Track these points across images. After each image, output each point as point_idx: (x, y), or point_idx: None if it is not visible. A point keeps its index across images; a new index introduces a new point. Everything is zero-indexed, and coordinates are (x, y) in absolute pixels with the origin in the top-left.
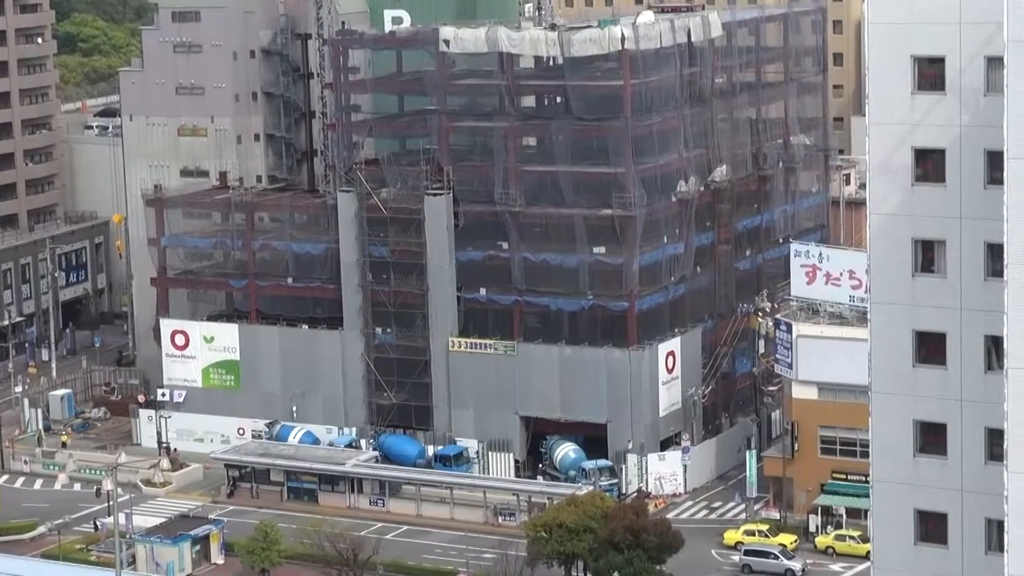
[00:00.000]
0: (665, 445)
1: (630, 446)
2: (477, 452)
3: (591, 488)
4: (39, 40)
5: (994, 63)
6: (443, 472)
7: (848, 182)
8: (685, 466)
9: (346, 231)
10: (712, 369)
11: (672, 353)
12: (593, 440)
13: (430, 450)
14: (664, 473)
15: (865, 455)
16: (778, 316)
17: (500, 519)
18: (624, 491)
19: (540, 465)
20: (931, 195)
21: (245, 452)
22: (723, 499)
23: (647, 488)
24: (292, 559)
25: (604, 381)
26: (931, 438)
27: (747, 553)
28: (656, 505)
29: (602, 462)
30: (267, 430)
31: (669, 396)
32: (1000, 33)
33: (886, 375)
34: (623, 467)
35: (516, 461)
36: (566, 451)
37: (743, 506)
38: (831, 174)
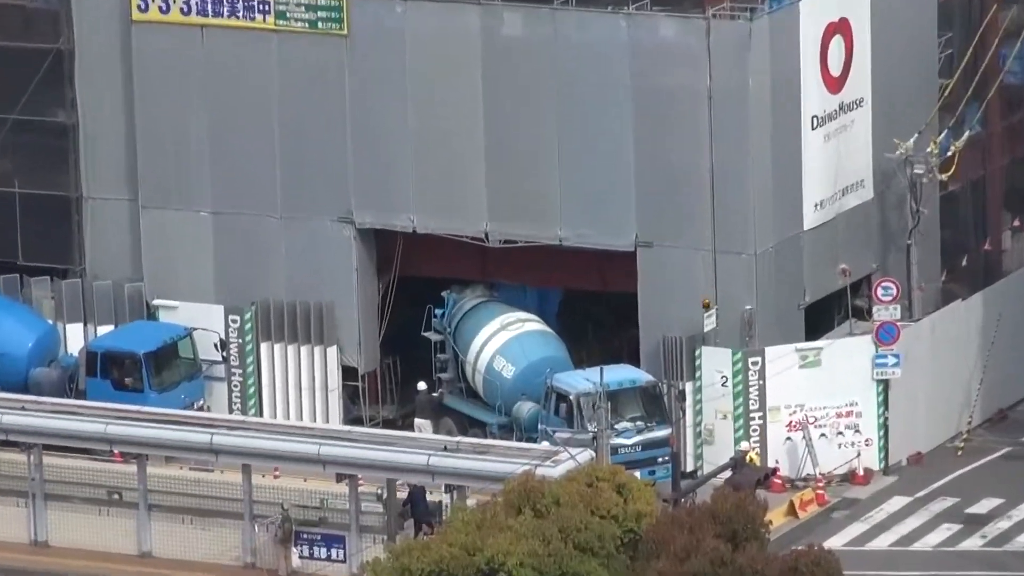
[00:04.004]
0: (817, 321)
1: (710, 326)
2: (222, 344)
3: (583, 456)
4: None
5: None
6: (119, 409)
7: None
8: (884, 383)
9: None
10: (969, 81)
11: (843, 25)
12: (586, 308)
13: (72, 337)
14: (818, 409)
15: None
16: None
17: (296, 552)
18: (691, 466)
19: (429, 384)
20: None
21: None
22: (1005, 490)
23: (759, 458)
24: None
25: (628, 123)
26: None
27: None
28: (800, 506)
29: (623, 374)
30: None
31: (826, 166)
32: None
33: None
34: (689, 392)
35: (353, 372)
36: (498, 347)
37: None
38: None
